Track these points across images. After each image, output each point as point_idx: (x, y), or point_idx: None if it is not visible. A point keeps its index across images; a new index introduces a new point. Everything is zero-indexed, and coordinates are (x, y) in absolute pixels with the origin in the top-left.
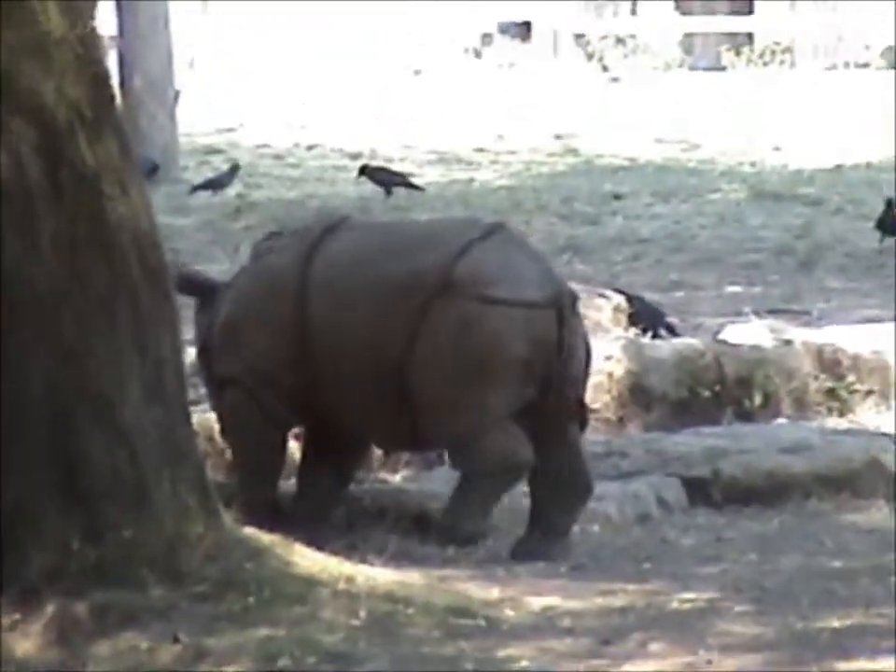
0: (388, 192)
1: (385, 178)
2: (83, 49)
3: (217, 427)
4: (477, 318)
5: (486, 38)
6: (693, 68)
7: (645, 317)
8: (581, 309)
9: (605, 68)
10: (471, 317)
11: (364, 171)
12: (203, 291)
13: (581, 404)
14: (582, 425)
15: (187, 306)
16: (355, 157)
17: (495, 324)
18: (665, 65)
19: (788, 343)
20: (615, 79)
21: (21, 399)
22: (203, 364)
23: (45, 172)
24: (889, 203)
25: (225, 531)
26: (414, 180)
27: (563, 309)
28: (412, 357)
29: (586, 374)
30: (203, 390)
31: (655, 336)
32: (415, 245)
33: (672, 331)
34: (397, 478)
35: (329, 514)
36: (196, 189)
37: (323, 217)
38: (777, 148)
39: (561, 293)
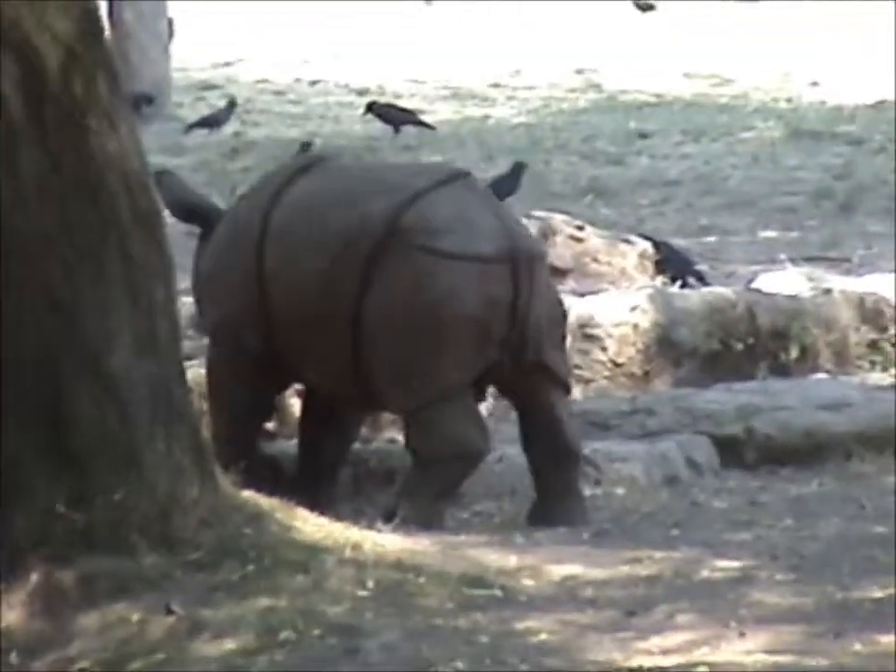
0: (396, 130)
1: (394, 116)
2: None
3: None
4: (425, 273)
5: None
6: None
7: (673, 265)
8: (605, 256)
9: None
10: (419, 271)
11: (371, 108)
12: (206, 222)
13: (544, 367)
14: (565, 389)
15: (180, 251)
16: (361, 93)
17: (445, 279)
18: None
19: (826, 292)
20: (645, 6)
21: (8, 352)
22: (198, 308)
23: (28, 109)
24: None
25: (222, 494)
26: (425, 117)
27: (519, 265)
28: (362, 310)
29: (555, 337)
30: (198, 342)
31: (684, 285)
32: (369, 191)
33: (702, 280)
34: None
35: (332, 476)
36: (191, 127)
37: (297, 158)
38: (814, 83)
39: (518, 248)
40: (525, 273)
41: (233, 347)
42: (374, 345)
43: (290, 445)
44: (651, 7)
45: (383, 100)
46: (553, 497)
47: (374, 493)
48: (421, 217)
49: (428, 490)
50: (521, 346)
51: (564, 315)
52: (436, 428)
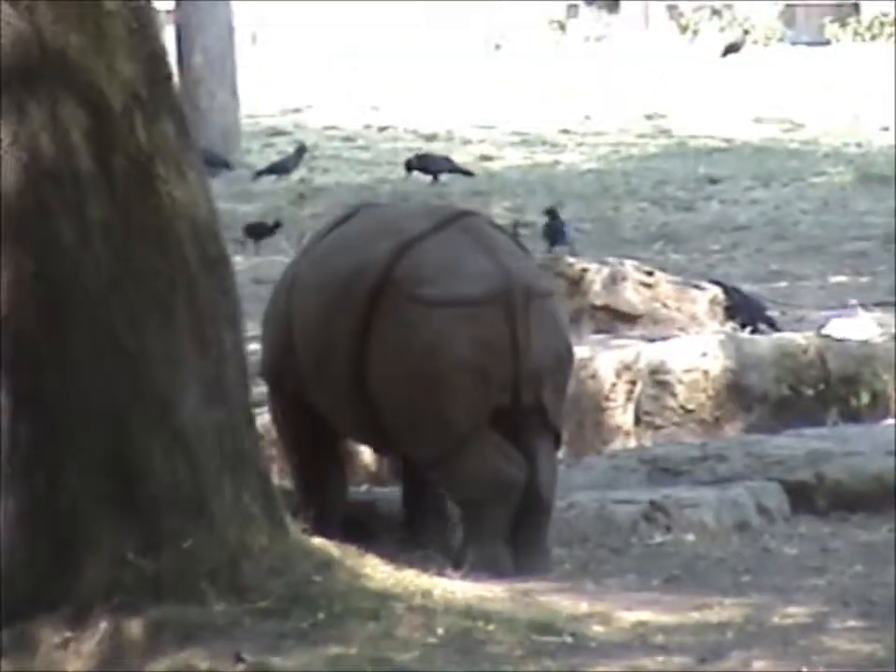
0: (435, 179)
1: (431, 164)
2: (137, 23)
3: None
4: (414, 321)
5: (572, 9)
6: (794, 42)
7: (743, 310)
8: (675, 302)
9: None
10: (409, 320)
11: (409, 166)
12: None
13: (540, 410)
14: (555, 436)
15: (247, 298)
16: (429, 138)
17: (433, 327)
18: (765, 39)
19: None
20: (731, 49)
21: (74, 402)
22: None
23: (96, 156)
24: None
25: (291, 542)
26: (493, 164)
27: (513, 304)
28: (364, 361)
29: (557, 380)
30: (263, 388)
31: (754, 331)
32: (376, 236)
33: (772, 325)
34: None
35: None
36: (260, 173)
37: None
38: (885, 128)
39: (511, 287)
40: (520, 312)
41: (281, 393)
42: (379, 397)
43: (360, 491)
44: (736, 49)
45: (452, 145)
46: (516, 548)
47: (444, 539)
48: (412, 264)
49: (479, 533)
50: (522, 387)
51: (570, 358)
52: (461, 474)
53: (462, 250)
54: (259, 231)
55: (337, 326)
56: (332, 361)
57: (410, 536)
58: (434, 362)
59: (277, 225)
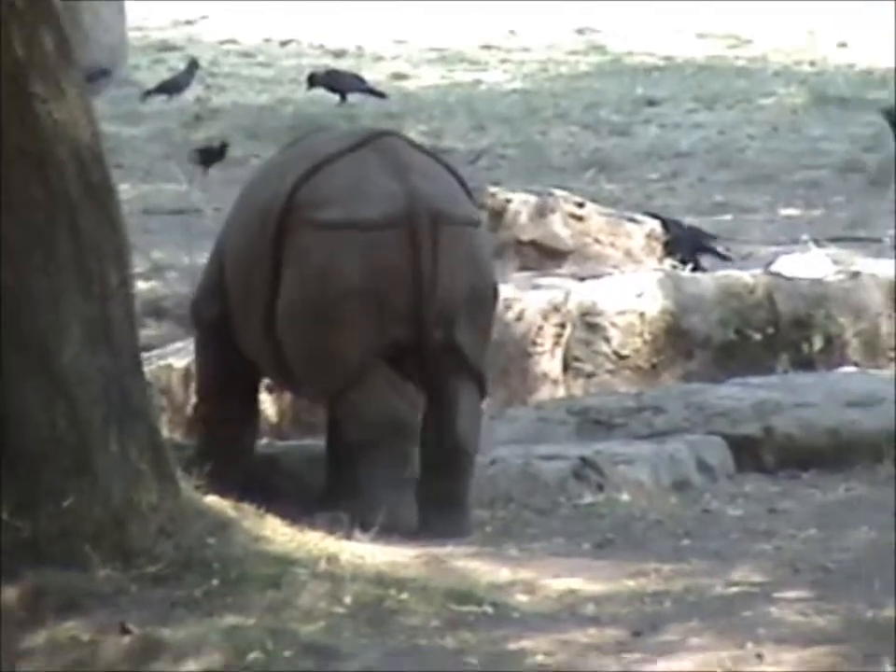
0: (343, 99)
1: (340, 83)
2: None
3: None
4: (307, 246)
5: None
6: None
7: (684, 245)
8: (608, 236)
9: None
10: (305, 245)
11: (312, 81)
12: None
13: (454, 349)
14: (477, 381)
15: (135, 230)
16: (338, 54)
17: (326, 251)
18: None
19: (855, 275)
20: None
21: None
22: None
23: None
24: None
25: (183, 500)
26: (409, 82)
27: (416, 229)
28: (273, 292)
29: (475, 317)
30: (153, 331)
31: (696, 268)
32: (294, 163)
33: (721, 257)
34: None
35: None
36: (149, 93)
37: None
38: (842, 44)
39: (413, 210)
40: (425, 238)
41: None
42: (283, 330)
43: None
44: None
45: (362, 62)
46: (430, 505)
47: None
48: (315, 187)
49: (371, 479)
50: (427, 321)
51: (492, 294)
52: (352, 411)
53: (370, 171)
54: (209, 156)
55: (254, 257)
56: (250, 294)
57: (321, 496)
58: (324, 288)
59: (224, 146)
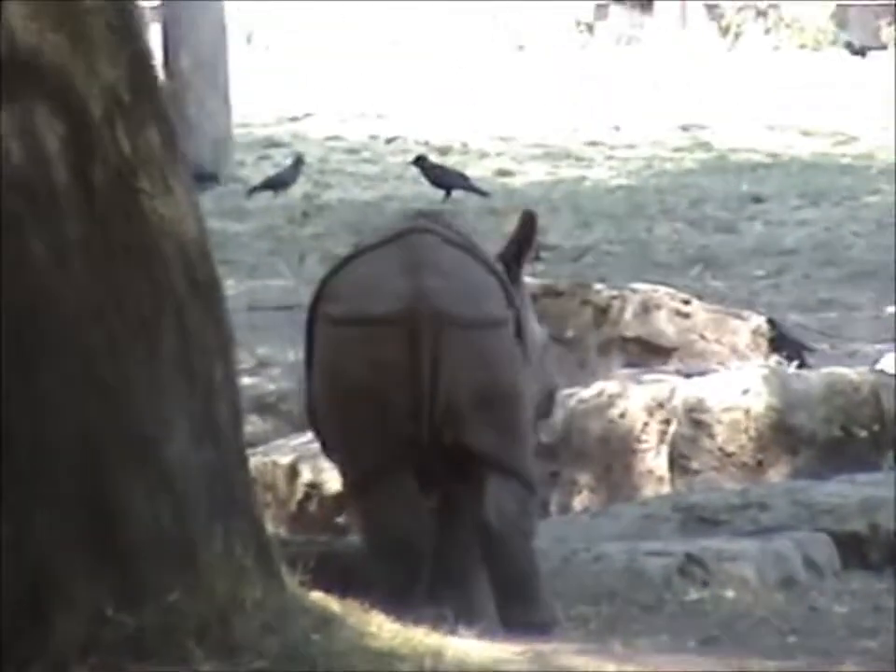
0: (448, 194)
1: (444, 178)
2: (119, 21)
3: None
4: (322, 341)
5: (601, 9)
6: (847, 46)
7: (789, 343)
8: (714, 333)
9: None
10: (320, 340)
11: (420, 164)
12: None
13: (467, 449)
14: (513, 477)
15: (240, 327)
16: (443, 151)
17: (331, 345)
18: (814, 42)
19: None
20: (859, 50)
21: (47, 441)
22: None
23: (73, 168)
24: None
25: (287, 596)
26: (514, 179)
27: (416, 328)
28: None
29: (492, 417)
30: (258, 427)
31: (802, 365)
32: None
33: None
34: None
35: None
36: (255, 189)
37: None
38: None
39: (415, 309)
40: (426, 339)
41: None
42: (313, 427)
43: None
44: (863, 52)
45: (467, 158)
46: (496, 596)
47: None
48: (337, 282)
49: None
50: (430, 421)
51: (509, 394)
52: (360, 523)
53: (386, 267)
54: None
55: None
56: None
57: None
58: (330, 380)
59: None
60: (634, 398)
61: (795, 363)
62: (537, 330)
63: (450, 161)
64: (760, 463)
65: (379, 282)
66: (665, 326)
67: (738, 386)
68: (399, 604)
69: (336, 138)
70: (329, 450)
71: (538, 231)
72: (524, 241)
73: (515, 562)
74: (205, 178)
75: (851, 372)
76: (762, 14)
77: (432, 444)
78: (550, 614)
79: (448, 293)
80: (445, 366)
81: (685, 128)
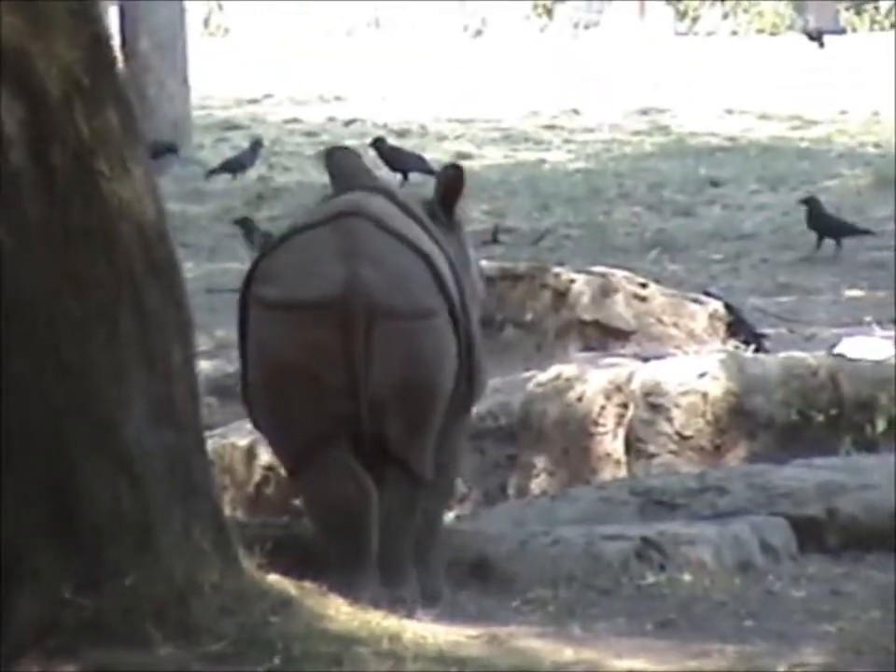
0: (405, 178)
1: (401, 162)
2: (78, 3)
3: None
4: (255, 324)
5: None
6: (805, 31)
7: (747, 328)
8: (671, 317)
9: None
10: (254, 322)
11: (376, 145)
12: None
13: (383, 443)
14: (410, 477)
15: (199, 308)
16: (401, 134)
17: (265, 328)
18: (772, 27)
19: None
20: (815, 36)
21: (12, 422)
22: None
23: (32, 150)
24: None
25: (245, 579)
26: (473, 162)
27: (349, 316)
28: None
29: (410, 414)
30: (219, 409)
31: (759, 349)
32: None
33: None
34: (450, 516)
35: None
36: (213, 171)
37: None
38: None
39: (348, 297)
40: (358, 325)
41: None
42: (248, 409)
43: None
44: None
45: (426, 141)
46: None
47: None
48: (268, 263)
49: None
50: (361, 402)
51: (431, 391)
52: (305, 497)
53: (321, 252)
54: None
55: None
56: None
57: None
58: (267, 364)
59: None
60: (591, 381)
61: (752, 347)
62: (472, 258)
63: (408, 144)
64: (717, 447)
65: (313, 267)
66: (622, 309)
67: (696, 370)
68: (350, 582)
69: (295, 121)
70: (262, 428)
71: (465, 179)
72: (448, 189)
73: (387, 547)
74: (164, 151)
75: (809, 356)
76: None
77: (352, 434)
78: (413, 592)
79: (380, 283)
80: (375, 355)
81: (644, 112)
